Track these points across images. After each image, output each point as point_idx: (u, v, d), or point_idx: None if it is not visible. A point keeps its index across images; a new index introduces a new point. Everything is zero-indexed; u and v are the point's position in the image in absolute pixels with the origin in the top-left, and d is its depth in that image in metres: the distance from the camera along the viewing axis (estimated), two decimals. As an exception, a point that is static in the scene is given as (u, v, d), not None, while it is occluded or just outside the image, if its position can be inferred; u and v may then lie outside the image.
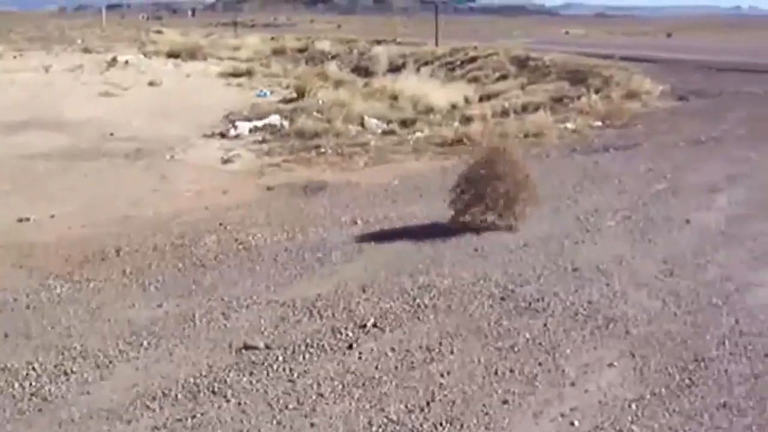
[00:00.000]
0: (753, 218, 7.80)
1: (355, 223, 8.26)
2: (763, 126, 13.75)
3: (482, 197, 7.62)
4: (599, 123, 15.11)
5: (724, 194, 8.77)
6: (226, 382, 4.74)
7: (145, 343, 5.32)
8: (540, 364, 4.80)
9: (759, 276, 6.10)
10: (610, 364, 4.77)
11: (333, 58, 36.16)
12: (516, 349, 5.00)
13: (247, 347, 5.18)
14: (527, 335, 5.18)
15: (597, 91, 18.89)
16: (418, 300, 5.85)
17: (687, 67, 24.80)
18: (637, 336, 5.13)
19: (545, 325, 5.33)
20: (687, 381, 4.54)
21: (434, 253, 6.97)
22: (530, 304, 5.70)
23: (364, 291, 6.09)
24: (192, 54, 36.62)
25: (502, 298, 5.82)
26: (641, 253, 6.73)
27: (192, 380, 4.77)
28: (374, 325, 5.45)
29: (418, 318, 5.56)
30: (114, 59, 31.77)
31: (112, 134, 15.13)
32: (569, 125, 14.90)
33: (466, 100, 20.53)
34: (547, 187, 9.43)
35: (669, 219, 7.74)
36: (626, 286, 5.93)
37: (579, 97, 18.03)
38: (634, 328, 5.24)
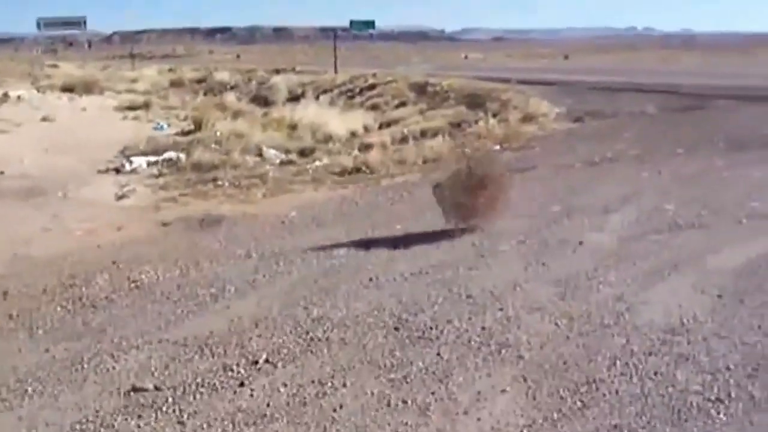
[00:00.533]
0: (644, 237, 7.89)
1: (250, 256, 8.11)
2: (656, 145, 14.05)
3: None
4: (497, 147, 15.26)
5: (617, 214, 8.86)
6: (113, 426, 4.54)
7: (29, 390, 5.07)
8: (433, 393, 4.71)
9: (648, 294, 6.13)
10: (503, 390, 4.71)
11: (232, 88, 36.00)
12: (409, 379, 4.91)
13: (136, 389, 4.98)
14: (420, 364, 5.09)
15: (495, 115, 19.16)
16: (311, 333, 5.72)
17: (583, 88, 25.34)
18: (530, 360, 5.09)
19: (438, 353, 5.25)
20: (579, 404, 4.51)
21: (329, 284, 6.86)
22: (424, 332, 5.62)
23: (257, 326, 5.94)
24: (88, 88, 35.83)
25: (396, 328, 5.73)
26: (535, 276, 6.73)
27: (78, 427, 4.55)
28: (266, 361, 5.31)
29: (311, 352, 5.43)
30: (5, 94, 30.97)
31: (2, 172, 14.67)
32: (467, 150, 15.00)
33: (366, 128, 20.61)
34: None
35: (563, 241, 7.77)
36: (519, 310, 5.90)
37: (477, 122, 18.23)
38: (527, 353, 5.20)
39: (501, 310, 5.95)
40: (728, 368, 4.83)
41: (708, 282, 6.42)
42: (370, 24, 55.98)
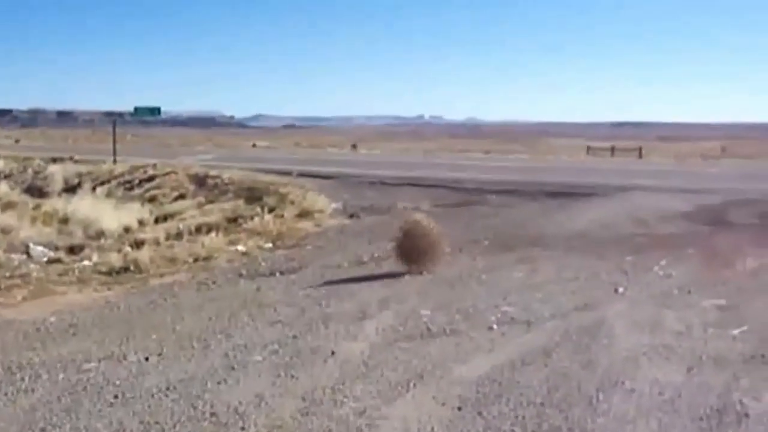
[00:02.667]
0: (396, 345, 7.97)
1: (-8, 372, 7.68)
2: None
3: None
4: (270, 244, 15.28)
5: (373, 321, 8.95)
6: None
7: None
8: None
9: (391, 409, 6.18)
10: None
11: (6, 177, 34.55)
12: None
13: None
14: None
15: (271, 210, 19.25)
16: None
17: (363, 182, 25.78)
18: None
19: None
20: None
21: (72, 402, 6.55)
22: (161, 457, 5.48)
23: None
24: None
25: (134, 452, 5.56)
26: (283, 390, 6.68)
27: None
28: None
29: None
30: None
31: None
32: (240, 247, 14.98)
33: (141, 222, 20.25)
34: (203, 320, 9.35)
35: (315, 351, 7.77)
36: (261, 429, 5.85)
37: (253, 217, 18.22)
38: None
39: (243, 429, 5.87)
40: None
41: (451, 393, 6.55)
42: (156, 111, 55.16)
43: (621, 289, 10.40)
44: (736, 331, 8.42)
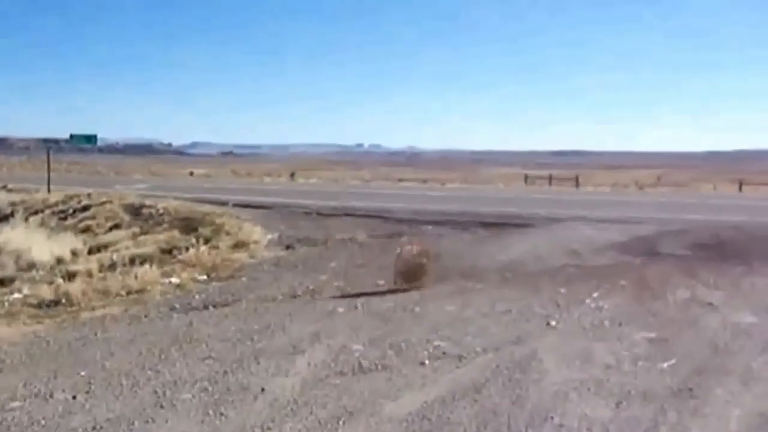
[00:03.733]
0: (327, 381, 7.96)
1: None
2: (358, 276, 14.45)
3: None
4: (205, 276, 15.14)
5: (305, 356, 8.92)
6: None
7: None
8: None
9: (320, 448, 6.21)
10: None
11: (-63, 209, 33.91)
12: None
13: None
14: None
15: (207, 241, 19.06)
16: None
17: (299, 212, 25.74)
18: None
19: None
20: None
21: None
22: None
23: None
24: None
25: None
26: (211, 429, 6.57)
27: None
28: None
29: None
30: None
31: None
32: (174, 279, 14.81)
33: (74, 253, 19.96)
34: (133, 355, 9.23)
35: (246, 388, 7.71)
36: (187, 472, 5.81)
37: (188, 248, 18.05)
38: None
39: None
40: None
41: (380, 431, 6.59)
42: (92, 138, 54.70)
43: (553, 322, 10.51)
44: (665, 365, 8.57)
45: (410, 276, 13.26)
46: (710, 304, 11.68)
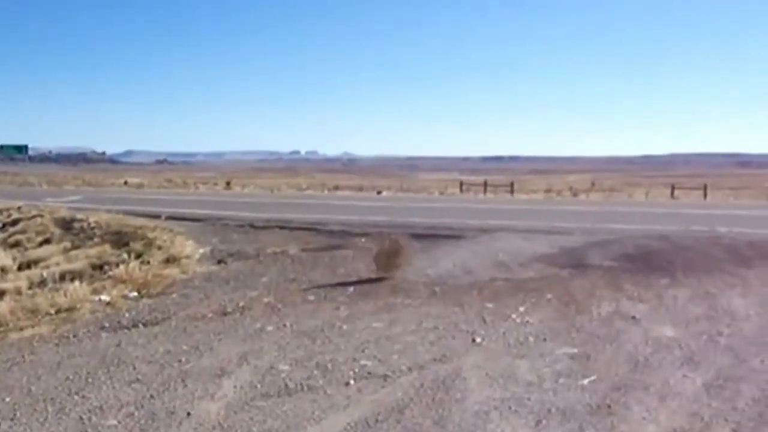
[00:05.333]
0: (253, 404, 8.03)
1: None
2: (289, 292, 14.45)
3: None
4: (135, 293, 15.08)
5: (232, 377, 8.97)
6: None
7: None
8: None
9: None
10: None
11: None
12: None
13: None
14: None
15: (138, 256, 18.96)
16: None
17: (232, 224, 25.67)
18: None
19: None
20: None
21: None
22: None
23: None
24: None
25: None
26: (135, 458, 6.70)
27: None
28: None
29: None
30: None
31: None
32: (104, 297, 14.72)
33: (3, 269, 19.75)
34: (60, 379, 9.21)
35: (171, 412, 7.75)
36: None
37: (119, 264, 17.94)
38: None
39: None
40: None
41: (302, 455, 6.71)
42: (23, 149, 54.14)
43: (478, 339, 10.68)
44: (585, 381, 8.78)
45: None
46: (633, 317, 11.93)
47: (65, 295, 14.81)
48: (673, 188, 56.12)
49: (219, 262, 18.54)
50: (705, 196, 51.58)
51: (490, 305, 12.82)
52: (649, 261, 17.07)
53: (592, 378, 8.90)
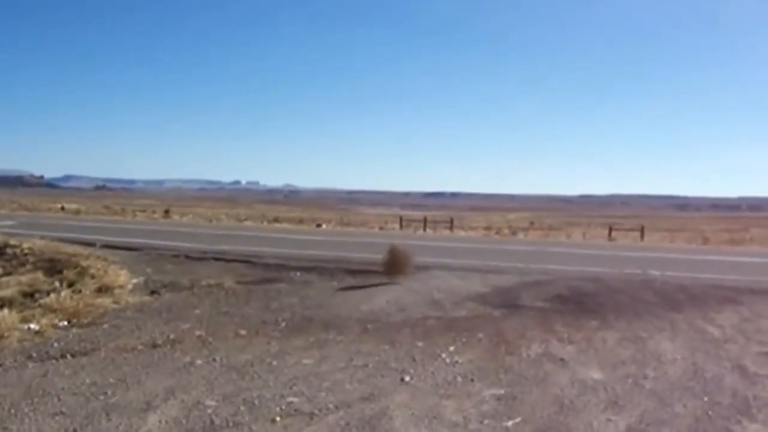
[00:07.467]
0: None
1: None
2: (222, 325, 14.36)
3: None
4: (66, 322, 14.92)
5: (157, 412, 8.91)
6: None
7: None
8: None
9: None
10: None
11: None
12: None
13: None
14: None
15: (71, 284, 18.75)
16: None
17: (167, 254, 25.56)
18: None
19: None
20: None
21: None
22: None
23: None
24: None
25: None
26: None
27: None
28: None
29: None
30: None
31: None
32: (33, 326, 14.53)
33: (-69, 296, 19.32)
34: (-18, 411, 9.09)
35: (92, 450, 7.74)
36: None
37: (50, 292, 17.73)
38: None
39: None
40: None
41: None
42: (-42, 171, 53.35)
43: (407, 378, 10.74)
44: (509, 423, 8.88)
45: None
46: (562, 359, 12.07)
47: (-8, 325, 14.58)
48: (610, 229, 56.81)
49: (152, 292, 18.41)
50: (642, 237, 52.38)
51: (420, 344, 12.90)
52: (581, 303, 17.30)
53: (517, 420, 9.01)
